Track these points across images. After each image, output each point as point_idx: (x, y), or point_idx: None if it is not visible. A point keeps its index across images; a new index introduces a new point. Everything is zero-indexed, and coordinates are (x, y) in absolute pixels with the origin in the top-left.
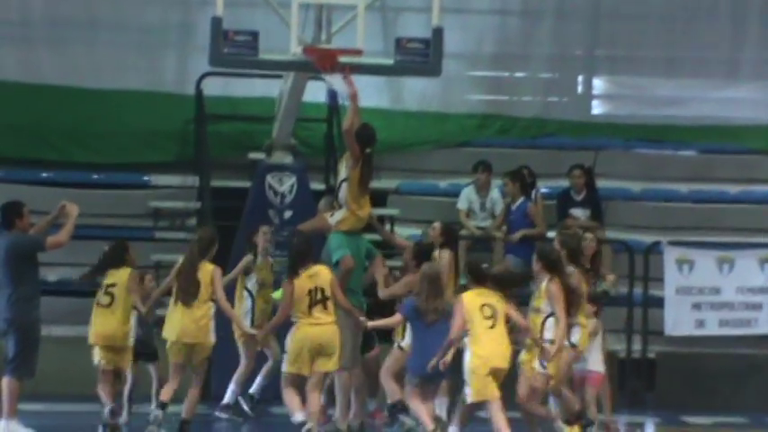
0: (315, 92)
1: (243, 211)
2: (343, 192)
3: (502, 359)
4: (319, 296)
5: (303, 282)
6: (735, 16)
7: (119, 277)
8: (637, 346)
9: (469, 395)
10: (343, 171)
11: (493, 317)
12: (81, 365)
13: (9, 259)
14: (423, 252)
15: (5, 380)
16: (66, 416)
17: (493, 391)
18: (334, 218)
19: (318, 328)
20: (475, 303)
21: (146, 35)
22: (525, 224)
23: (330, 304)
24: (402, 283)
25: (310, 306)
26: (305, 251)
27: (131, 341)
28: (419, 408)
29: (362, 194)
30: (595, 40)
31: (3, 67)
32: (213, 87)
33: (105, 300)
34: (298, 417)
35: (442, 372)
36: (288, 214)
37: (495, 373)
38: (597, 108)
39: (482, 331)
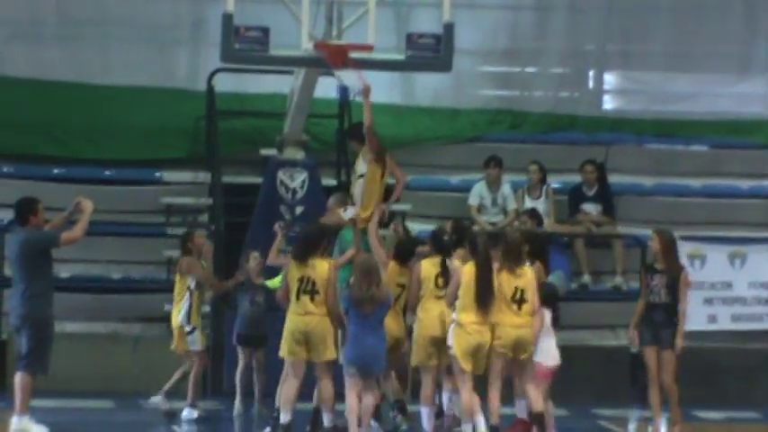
0: (326, 88)
1: (254, 207)
2: (359, 188)
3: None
4: (309, 287)
5: (297, 269)
6: (746, 11)
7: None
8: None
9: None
10: (360, 166)
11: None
12: (94, 362)
13: (23, 255)
14: (406, 249)
15: (19, 375)
16: (80, 412)
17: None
18: (348, 214)
19: (304, 317)
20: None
21: (157, 32)
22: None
23: (319, 298)
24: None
25: (298, 294)
26: (316, 240)
27: (178, 322)
28: (350, 403)
29: (381, 188)
30: (607, 35)
31: (14, 64)
32: (224, 83)
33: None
34: (283, 417)
35: (379, 362)
36: (299, 210)
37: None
38: (609, 103)
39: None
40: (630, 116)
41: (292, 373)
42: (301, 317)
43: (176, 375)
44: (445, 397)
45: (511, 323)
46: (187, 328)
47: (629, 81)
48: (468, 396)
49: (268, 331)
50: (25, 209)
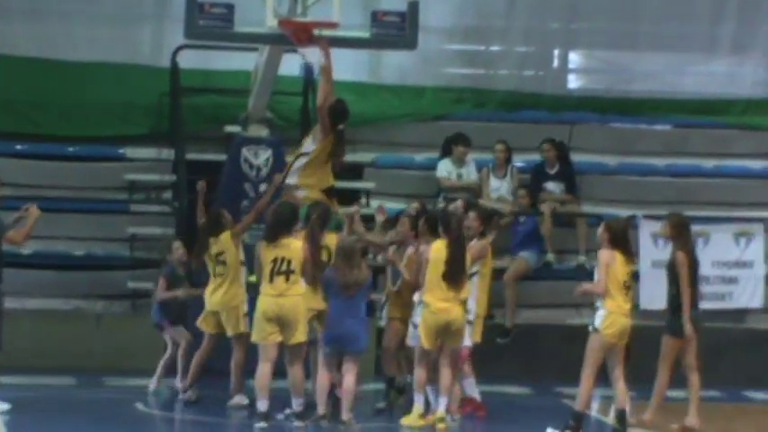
0: (291, 65)
1: (218, 185)
2: (297, 167)
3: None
4: (283, 267)
5: (269, 250)
6: None
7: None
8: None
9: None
10: (306, 144)
11: None
12: (56, 339)
13: None
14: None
15: None
16: (42, 389)
17: (432, 344)
18: (301, 193)
19: (278, 299)
20: (441, 254)
21: (121, 7)
22: (533, 240)
23: (294, 277)
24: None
25: (271, 275)
26: (287, 220)
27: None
28: (321, 381)
29: (326, 167)
30: (573, 14)
31: None
32: (189, 60)
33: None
34: (259, 405)
35: (359, 343)
36: (263, 187)
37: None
38: (573, 82)
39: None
40: (595, 95)
41: (264, 356)
42: (275, 298)
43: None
44: (465, 382)
45: (622, 311)
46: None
47: (594, 60)
48: (422, 376)
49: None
50: None
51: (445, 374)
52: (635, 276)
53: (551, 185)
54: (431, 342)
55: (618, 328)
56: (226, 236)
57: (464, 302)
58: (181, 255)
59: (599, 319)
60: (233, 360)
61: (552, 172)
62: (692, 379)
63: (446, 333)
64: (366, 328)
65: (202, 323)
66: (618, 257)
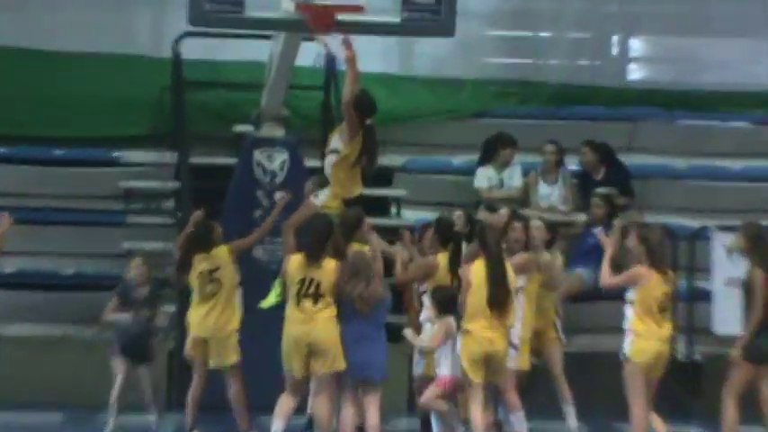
0: (310, 55)
1: (227, 193)
2: (329, 164)
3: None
4: (311, 289)
5: (298, 268)
6: None
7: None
8: (681, 346)
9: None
10: (333, 142)
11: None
12: (42, 369)
13: None
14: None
15: None
16: (25, 428)
17: (478, 376)
18: (319, 199)
19: (306, 326)
20: (481, 275)
21: None
22: (594, 255)
23: (324, 302)
24: (417, 264)
25: (299, 296)
26: (326, 235)
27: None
28: (344, 417)
29: (353, 173)
30: None
31: None
32: (193, 50)
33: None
34: (275, 427)
35: (379, 371)
36: (278, 195)
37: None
38: (634, 73)
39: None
40: (659, 88)
41: (290, 389)
42: (301, 324)
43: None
44: (513, 417)
45: (657, 335)
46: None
47: (659, 47)
48: (477, 413)
49: (152, 347)
50: None
51: (477, 416)
52: (705, 295)
53: (602, 191)
54: (479, 374)
55: (650, 355)
56: (221, 251)
57: (509, 330)
58: (140, 273)
59: (627, 344)
60: (231, 395)
61: (598, 178)
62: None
63: (487, 366)
64: (385, 352)
65: (191, 351)
66: (653, 275)
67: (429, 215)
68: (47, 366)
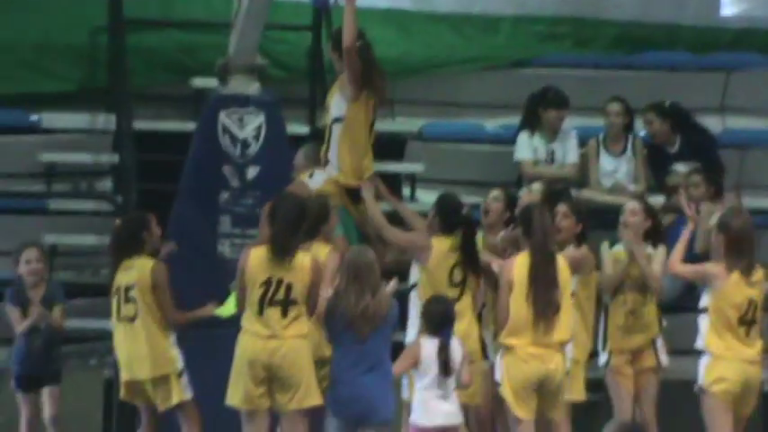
0: None
1: (183, 169)
2: (336, 138)
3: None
4: (280, 294)
5: (260, 265)
6: None
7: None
8: None
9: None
10: (334, 106)
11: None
12: None
13: None
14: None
15: None
16: None
17: (526, 411)
18: (314, 181)
19: (268, 342)
20: (524, 273)
21: None
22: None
23: (295, 312)
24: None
25: (261, 305)
26: (298, 223)
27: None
28: None
29: (365, 146)
30: None
31: None
32: None
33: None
34: None
35: (379, 411)
36: (252, 172)
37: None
38: (728, 7)
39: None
40: (762, 27)
41: (249, 427)
42: (263, 341)
43: None
44: None
45: (740, 356)
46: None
47: None
48: None
49: (56, 367)
50: None
51: None
52: None
53: (680, 167)
54: (523, 407)
55: (733, 383)
56: (143, 264)
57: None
58: (34, 270)
59: (702, 370)
60: None
61: (673, 151)
62: None
63: (540, 393)
64: (389, 384)
65: (126, 397)
66: (732, 276)
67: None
68: None
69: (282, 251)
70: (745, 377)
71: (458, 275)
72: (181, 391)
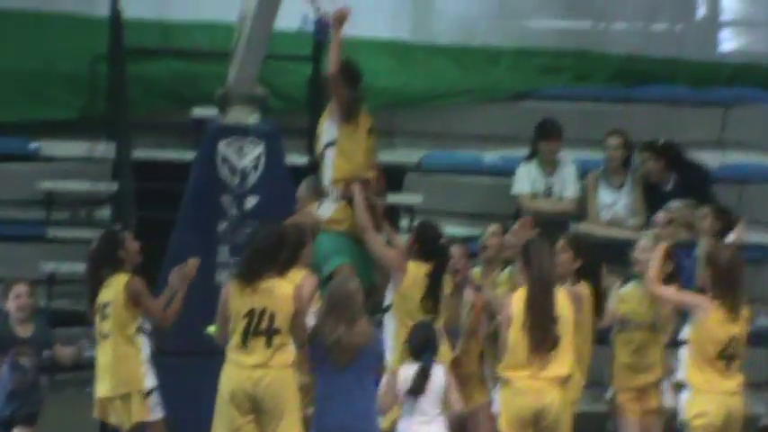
0: (295, 17)
1: (182, 198)
2: (329, 163)
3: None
4: (264, 324)
5: (241, 297)
6: None
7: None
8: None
9: None
10: (325, 132)
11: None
12: None
13: None
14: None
15: None
16: None
17: None
18: (323, 210)
19: (253, 372)
20: (521, 306)
21: None
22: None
23: (279, 341)
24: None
25: (245, 335)
26: (265, 253)
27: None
28: None
29: (365, 163)
30: None
31: None
32: (138, 7)
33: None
34: None
35: None
36: (251, 202)
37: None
38: (727, 42)
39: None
40: (761, 62)
41: None
42: (247, 370)
43: None
44: None
45: (720, 389)
46: (150, 385)
47: (760, 8)
48: None
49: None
50: None
51: None
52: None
53: (676, 204)
54: None
55: (714, 416)
56: (119, 280)
57: (564, 381)
58: (23, 306)
59: (683, 404)
60: None
61: (668, 188)
62: None
63: (536, 428)
64: (373, 413)
65: (99, 414)
66: (716, 310)
67: (452, 230)
68: None
69: (251, 276)
70: (727, 410)
71: (430, 302)
72: (144, 411)
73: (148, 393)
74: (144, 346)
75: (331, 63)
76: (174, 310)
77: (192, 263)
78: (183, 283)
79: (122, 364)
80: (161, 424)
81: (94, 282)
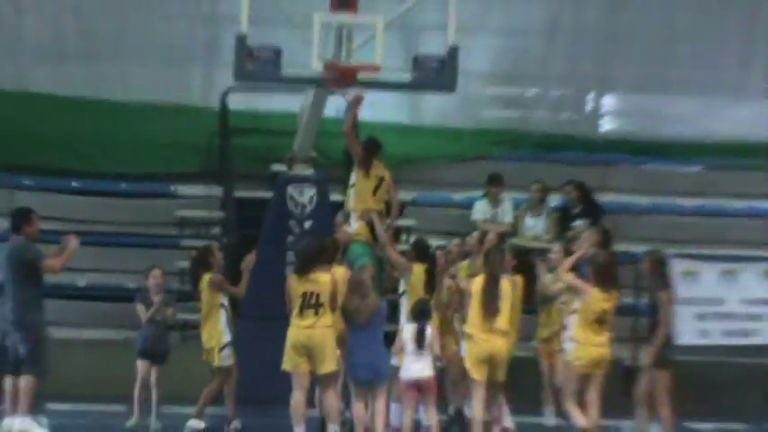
0: (334, 107)
1: (264, 222)
2: (351, 199)
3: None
4: (313, 300)
5: (298, 284)
6: (743, 37)
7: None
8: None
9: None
10: (351, 179)
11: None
12: (108, 367)
13: (11, 264)
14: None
15: (23, 379)
16: (93, 416)
17: (480, 375)
18: (352, 227)
19: (305, 330)
20: (478, 288)
21: (173, 50)
22: None
23: (323, 311)
24: (397, 259)
25: (302, 308)
26: (315, 254)
27: (219, 340)
28: (355, 411)
29: (371, 195)
30: (607, 59)
31: (36, 80)
32: (237, 101)
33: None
34: (296, 430)
35: (380, 372)
36: (308, 224)
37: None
38: (606, 124)
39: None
40: (627, 137)
41: (296, 384)
42: (303, 330)
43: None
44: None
45: (593, 342)
46: (225, 342)
47: (627, 103)
48: (478, 407)
49: (165, 348)
50: (19, 218)
51: (478, 409)
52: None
53: (579, 223)
54: (479, 373)
55: (588, 359)
56: (206, 276)
57: (504, 334)
58: (157, 283)
59: (570, 350)
60: (207, 387)
61: (576, 212)
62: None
63: (489, 364)
64: (383, 357)
65: (207, 358)
66: (594, 292)
67: (436, 242)
68: (111, 365)
69: (302, 270)
70: (599, 355)
71: (427, 287)
72: (219, 359)
73: (223, 347)
74: (221, 316)
75: (345, 123)
76: (242, 285)
77: (250, 258)
78: (246, 269)
79: (209, 326)
80: (231, 369)
81: (195, 276)
